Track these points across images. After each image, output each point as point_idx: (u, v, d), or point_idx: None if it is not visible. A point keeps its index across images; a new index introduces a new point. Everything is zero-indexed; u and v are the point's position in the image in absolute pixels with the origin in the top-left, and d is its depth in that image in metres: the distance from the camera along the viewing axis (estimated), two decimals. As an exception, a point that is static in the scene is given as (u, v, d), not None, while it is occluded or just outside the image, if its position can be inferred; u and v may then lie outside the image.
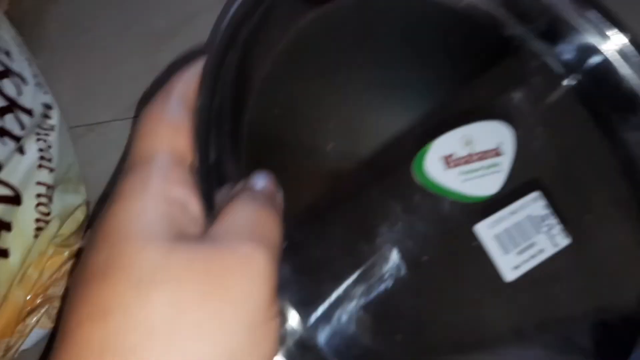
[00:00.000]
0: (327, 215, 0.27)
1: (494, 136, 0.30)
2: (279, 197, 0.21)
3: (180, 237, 0.17)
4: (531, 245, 0.28)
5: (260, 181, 0.21)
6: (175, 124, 0.20)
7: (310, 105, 0.28)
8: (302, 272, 0.24)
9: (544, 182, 0.30)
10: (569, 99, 0.32)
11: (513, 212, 0.28)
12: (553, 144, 0.31)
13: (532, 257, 0.28)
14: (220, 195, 0.20)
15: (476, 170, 0.29)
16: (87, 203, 0.38)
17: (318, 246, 0.26)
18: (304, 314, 0.23)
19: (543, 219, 0.29)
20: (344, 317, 0.25)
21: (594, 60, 0.32)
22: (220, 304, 0.16)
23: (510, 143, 0.30)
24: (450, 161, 0.29)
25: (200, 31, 0.46)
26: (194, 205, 0.18)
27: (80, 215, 0.40)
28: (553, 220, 0.29)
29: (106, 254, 0.16)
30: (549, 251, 0.28)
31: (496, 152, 0.30)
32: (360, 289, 0.25)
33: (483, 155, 0.29)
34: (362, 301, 0.25)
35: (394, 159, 0.29)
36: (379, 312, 0.25)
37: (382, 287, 0.26)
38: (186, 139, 0.20)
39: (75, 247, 0.37)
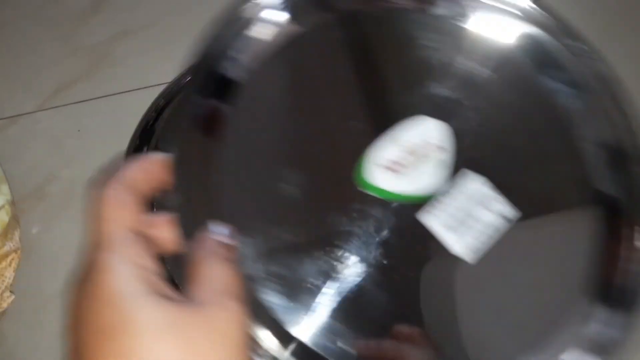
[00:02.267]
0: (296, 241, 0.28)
1: (436, 135, 0.30)
2: (236, 248, 0.25)
3: (167, 298, 0.20)
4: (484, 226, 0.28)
5: (221, 234, 0.24)
6: (129, 208, 0.24)
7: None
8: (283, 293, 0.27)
9: (487, 167, 0.30)
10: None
11: (458, 199, 0.29)
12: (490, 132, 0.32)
13: (489, 237, 0.28)
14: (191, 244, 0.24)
15: (422, 169, 0.29)
16: (12, 202, 0.35)
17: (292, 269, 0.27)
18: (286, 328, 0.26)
19: (491, 199, 0.29)
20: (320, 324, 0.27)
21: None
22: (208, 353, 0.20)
23: (450, 139, 0.30)
24: (393, 166, 0.29)
25: (121, 7, 0.47)
26: (161, 271, 0.23)
27: (4, 216, 0.37)
28: (501, 199, 0.29)
29: (108, 315, 0.19)
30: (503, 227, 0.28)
31: (439, 148, 0.29)
32: (332, 299, 0.27)
33: (426, 154, 0.29)
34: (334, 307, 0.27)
35: (340, 176, 0.29)
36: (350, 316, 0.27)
37: (350, 292, 0.27)
38: (136, 218, 0.23)
39: (2, 250, 0.35)
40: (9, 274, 0.38)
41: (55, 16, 0.47)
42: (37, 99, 0.44)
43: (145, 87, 0.43)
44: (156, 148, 0.40)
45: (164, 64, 0.43)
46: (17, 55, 0.45)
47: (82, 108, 0.43)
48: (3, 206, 0.38)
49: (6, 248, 0.36)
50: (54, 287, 0.38)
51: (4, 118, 0.43)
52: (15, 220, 0.38)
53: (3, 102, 0.44)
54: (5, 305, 0.37)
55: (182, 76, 0.42)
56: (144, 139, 0.40)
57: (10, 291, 0.38)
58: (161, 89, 0.42)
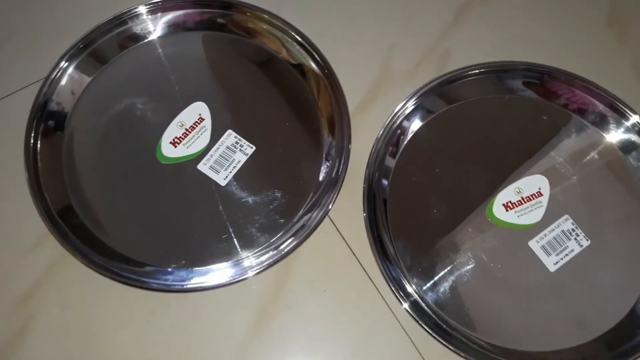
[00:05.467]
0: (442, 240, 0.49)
1: (535, 184, 0.50)
2: None
3: None
4: (565, 248, 0.48)
5: None
6: None
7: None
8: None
9: (572, 208, 0.49)
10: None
11: (552, 230, 0.49)
12: (578, 184, 0.50)
13: (566, 255, 0.48)
14: None
15: (526, 208, 0.49)
16: None
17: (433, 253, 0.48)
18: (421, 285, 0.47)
19: (572, 231, 0.48)
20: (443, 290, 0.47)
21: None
22: None
23: (547, 187, 0.50)
24: (507, 206, 0.49)
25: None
26: None
27: None
28: (579, 231, 0.48)
29: None
30: (577, 250, 0.48)
31: (539, 194, 0.50)
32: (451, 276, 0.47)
33: (529, 198, 0.50)
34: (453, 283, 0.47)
35: (474, 208, 0.50)
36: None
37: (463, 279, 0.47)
38: None
39: None
40: None
41: None
42: None
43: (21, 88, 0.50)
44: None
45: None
46: None
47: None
48: None
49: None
50: None
51: None
52: None
53: None
54: None
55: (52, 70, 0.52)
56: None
57: None
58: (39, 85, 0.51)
